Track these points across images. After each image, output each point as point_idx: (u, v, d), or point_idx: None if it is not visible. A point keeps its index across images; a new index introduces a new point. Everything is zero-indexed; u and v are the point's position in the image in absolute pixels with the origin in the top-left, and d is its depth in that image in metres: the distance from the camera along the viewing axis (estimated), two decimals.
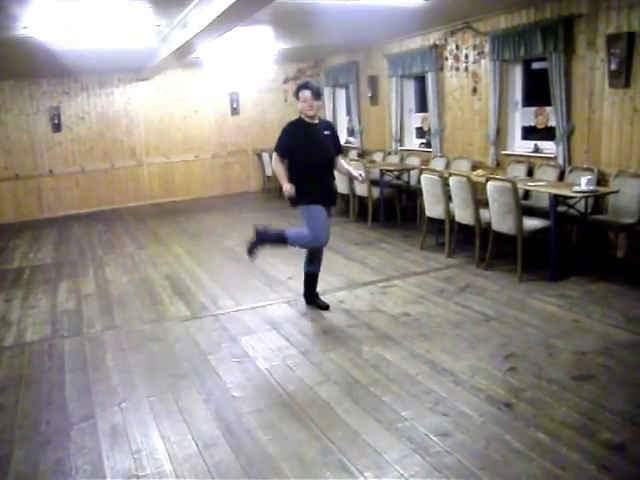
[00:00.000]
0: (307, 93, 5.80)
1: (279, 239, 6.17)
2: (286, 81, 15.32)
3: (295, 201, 5.97)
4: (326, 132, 6.03)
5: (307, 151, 5.87)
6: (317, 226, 5.98)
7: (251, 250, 6.19)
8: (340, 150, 6.26)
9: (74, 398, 4.72)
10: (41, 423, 4.37)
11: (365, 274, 7.44)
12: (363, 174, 6.36)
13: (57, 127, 13.62)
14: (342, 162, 6.35)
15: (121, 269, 8.54)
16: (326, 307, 6.29)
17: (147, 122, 14.32)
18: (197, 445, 3.90)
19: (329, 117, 14.71)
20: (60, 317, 6.70)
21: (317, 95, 5.87)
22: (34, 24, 7.14)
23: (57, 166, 13.78)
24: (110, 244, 10.37)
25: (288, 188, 5.83)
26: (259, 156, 15.10)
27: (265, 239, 6.17)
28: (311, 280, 6.43)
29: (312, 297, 6.44)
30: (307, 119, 5.91)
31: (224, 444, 3.89)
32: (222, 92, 14.72)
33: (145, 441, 4.01)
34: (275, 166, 6.03)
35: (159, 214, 12.93)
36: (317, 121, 6.00)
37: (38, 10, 6.46)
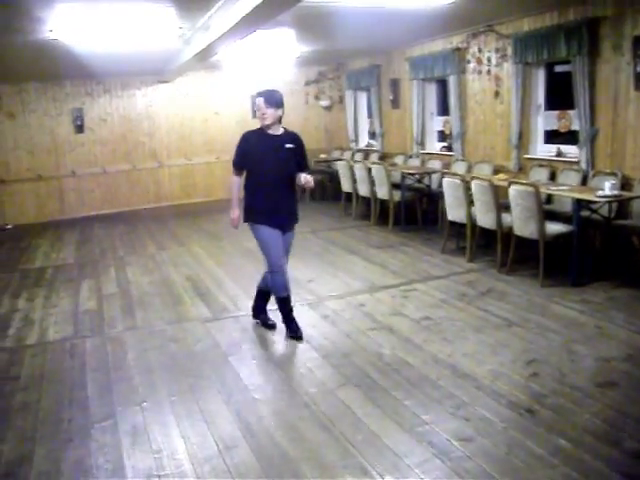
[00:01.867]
0: (260, 101, 5.38)
1: (264, 299, 6.02)
2: (307, 84, 15.33)
3: (244, 217, 5.63)
4: (288, 145, 5.49)
5: (259, 164, 5.47)
6: (270, 252, 5.53)
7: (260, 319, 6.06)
8: (303, 167, 5.62)
9: (95, 397, 4.75)
10: (63, 421, 4.40)
11: (386, 277, 7.41)
12: (308, 177, 5.49)
13: (80, 128, 13.71)
14: (300, 176, 5.59)
15: (142, 269, 8.58)
16: (273, 326, 5.96)
17: (168, 124, 14.38)
18: (217, 446, 3.91)
19: (350, 120, 14.76)
20: (82, 317, 6.75)
21: (271, 103, 5.38)
22: (59, 27, 7.20)
23: (79, 167, 13.87)
24: (131, 245, 10.42)
25: (233, 218, 5.73)
26: None
27: (259, 312, 6.07)
28: (265, 296, 6.05)
29: (261, 312, 6.10)
30: (267, 129, 5.46)
31: (244, 445, 3.90)
32: (243, 94, 14.74)
33: (166, 441, 4.03)
34: (230, 183, 5.79)
35: (180, 215, 12.98)
36: (279, 132, 5.53)
37: (63, 13, 6.52)
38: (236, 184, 5.69)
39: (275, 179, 5.47)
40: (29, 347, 5.94)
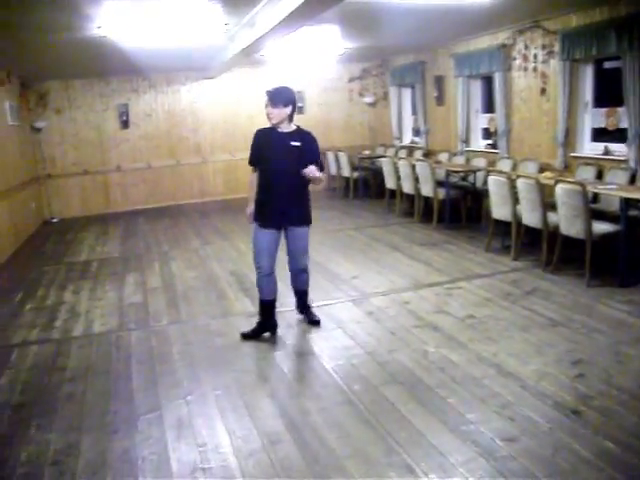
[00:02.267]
0: (266, 100, 5.36)
1: (299, 296, 6.14)
2: (351, 80, 15.32)
3: (253, 215, 5.69)
4: (294, 143, 5.39)
5: (267, 161, 5.48)
6: (256, 254, 5.69)
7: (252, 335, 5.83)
8: (315, 164, 5.36)
9: (141, 389, 4.83)
10: (109, 413, 4.48)
11: (430, 275, 7.39)
12: (311, 167, 5.27)
13: (125, 124, 13.95)
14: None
15: (186, 264, 8.68)
16: (317, 322, 5.99)
17: (213, 120, 14.49)
18: (262, 440, 3.94)
19: (394, 117, 14.72)
20: (127, 310, 6.86)
21: (277, 102, 5.31)
22: (107, 24, 7.31)
23: (124, 162, 14.10)
24: (175, 239, 10.54)
25: (248, 214, 5.71)
26: (323, 155, 15.10)
27: (301, 309, 6.16)
28: (298, 294, 6.14)
29: (304, 309, 6.14)
30: (277, 127, 5.41)
31: (289, 440, 3.92)
32: None
33: (210, 434, 4.07)
34: (249, 181, 5.73)
35: (223, 210, 13.07)
36: (289, 130, 5.46)
37: (111, 10, 6.62)
38: (251, 181, 5.68)
39: (281, 177, 5.43)
40: (75, 339, 6.06)
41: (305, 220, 5.65)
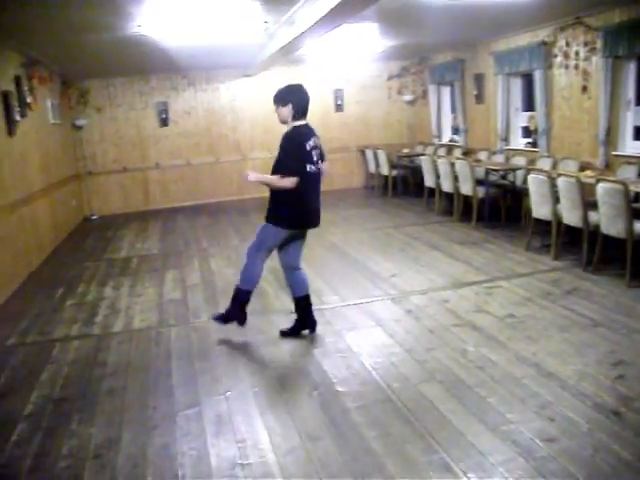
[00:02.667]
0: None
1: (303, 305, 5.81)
2: (390, 78, 15.31)
3: None
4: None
5: None
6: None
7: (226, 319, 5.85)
8: (276, 169, 5.33)
9: (180, 385, 4.89)
10: (148, 408, 4.55)
11: (469, 274, 7.37)
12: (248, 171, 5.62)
13: (164, 122, 14.13)
14: None
15: (225, 261, 8.75)
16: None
17: (252, 118, 14.56)
18: (301, 437, 3.97)
19: (433, 115, 14.71)
20: (166, 306, 6.94)
21: (276, 101, 5.44)
22: (147, 22, 7.42)
23: (163, 159, 14.27)
24: (214, 236, 10.64)
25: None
26: (362, 153, 15.17)
27: (232, 313, 5.82)
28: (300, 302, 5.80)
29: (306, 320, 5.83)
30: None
31: (328, 438, 3.94)
32: (326, 89, 14.83)
33: (249, 431, 4.11)
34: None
35: (262, 208, 12.95)
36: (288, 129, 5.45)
37: (152, 8, 6.72)
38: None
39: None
40: (116, 334, 6.15)
41: (267, 217, 5.60)
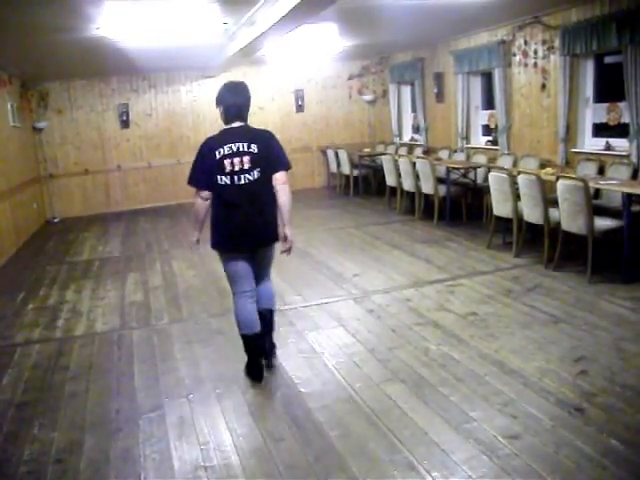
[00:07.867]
0: None
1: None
2: (351, 78, 15.31)
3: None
4: None
5: None
6: None
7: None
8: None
9: (143, 388, 4.83)
10: (111, 411, 4.49)
11: (431, 272, 7.36)
12: None
13: (125, 123, 13.98)
14: None
15: (187, 263, 8.66)
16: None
17: (213, 119, 14.37)
18: (264, 439, 3.93)
19: (393, 114, 14.75)
20: (128, 309, 6.86)
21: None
22: (106, 24, 7.30)
23: (125, 161, 14.12)
24: (176, 238, 10.54)
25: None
26: (324, 152, 15.15)
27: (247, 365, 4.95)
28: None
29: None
30: None
31: (291, 438, 3.92)
32: (287, 89, 14.80)
33: (212, 433, 4.07)
34: None
35: None
36: None
37: (111, 10, 6.61)
38: None
39: None
40: (77, 338, 6.07)
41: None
